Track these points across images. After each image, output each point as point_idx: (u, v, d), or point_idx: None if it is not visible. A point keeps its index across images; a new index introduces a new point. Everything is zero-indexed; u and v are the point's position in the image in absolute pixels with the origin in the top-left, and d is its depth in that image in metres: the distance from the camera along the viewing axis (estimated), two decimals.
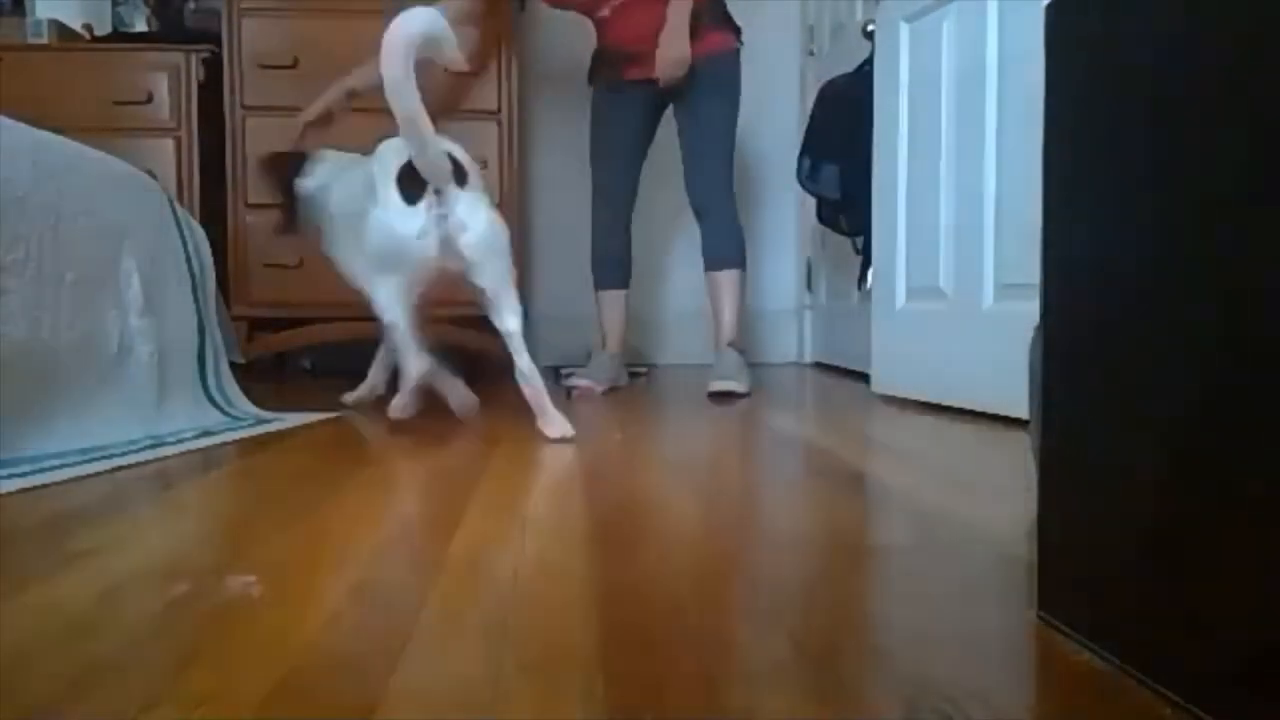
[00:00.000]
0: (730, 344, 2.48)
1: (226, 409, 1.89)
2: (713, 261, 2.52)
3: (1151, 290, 0.56)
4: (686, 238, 3.33)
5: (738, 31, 2.53)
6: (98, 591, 0.77)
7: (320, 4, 2.86)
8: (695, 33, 2.38)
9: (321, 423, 1.88)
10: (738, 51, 2.52)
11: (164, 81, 2.84)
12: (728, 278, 2.50)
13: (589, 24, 2.64)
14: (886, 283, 2.24)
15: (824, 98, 2.70)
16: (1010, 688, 0.58)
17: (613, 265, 2.64)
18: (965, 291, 1.92)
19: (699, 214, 2.52)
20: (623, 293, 2.65)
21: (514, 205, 2.95)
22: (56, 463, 1.34)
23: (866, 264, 2.58)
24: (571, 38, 2.79)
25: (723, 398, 2.31)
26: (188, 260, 1.94)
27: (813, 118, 2.74)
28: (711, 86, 2.46)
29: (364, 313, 2.79)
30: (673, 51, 2.35)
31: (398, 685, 0.57)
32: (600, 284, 2.65)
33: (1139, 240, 0.58)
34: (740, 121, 2.54)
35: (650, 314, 3.50)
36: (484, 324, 2.93)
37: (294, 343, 2.93)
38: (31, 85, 2.74)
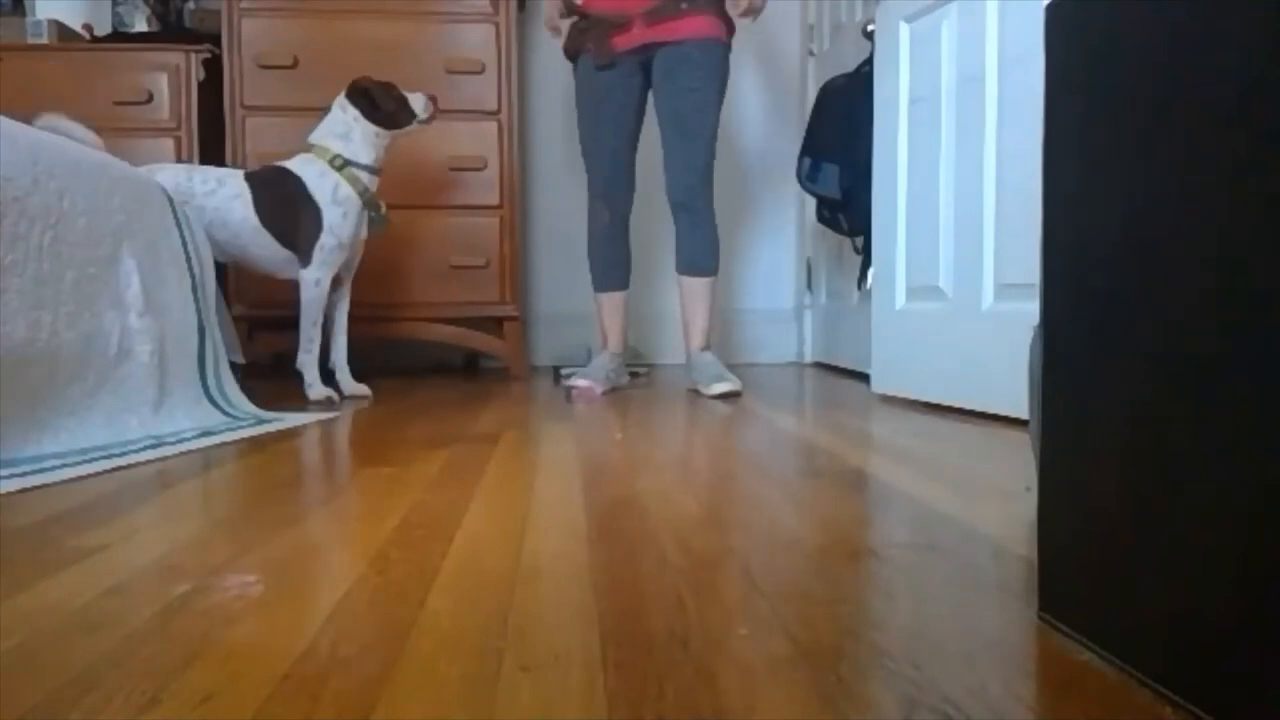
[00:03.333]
0: (707, 347, 2.51)
1: (226, 409, 1.90)
2: (686, 267, 2.50)
3: (1152, 290, 0.56)
4: None
5: (730, 24, 2.47)
6: (98, 591, 0.77)
7: (320, 4, 2.86)
8: (681, 12, 2.35)
9: (321, 423, 1.89)
10: (727, 44, 2.46)
11: (164, 81, 2.84)
12: (701, 284, 2.50)
13: None
14: (886, 283, 2.24)
15: (824, 98, 2.71)
16: (1010, 688, 0.58)
17: (612, 268, 2.61)
18: (965, 291, 1.92)
19: (676, 209, 2.48)
20: (622, 294, 2.63)
21: (514, 205, 2.95)
22: (56, 463, 1.34)
23: (866, 264, 2.58)
24: None
25: (725, 398, 2.32)
26: (188, 260, 1.94)
27: (813, 118, 2.74)
28: (697, 72, 2.40)
29: (363, 313, 2.79)
30: None
31: (398, 685, 0.57)
32: (599, 286, 2.63)
33: (1139, 240, 0.58)
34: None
35: (651, 312, 3.50)
36: (483, 324, 2.95)
37: (294, 343, 2.92)
38: (31, 85, 2.75)
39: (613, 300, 2.63)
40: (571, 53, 2.56)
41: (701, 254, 2.48)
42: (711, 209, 2.48)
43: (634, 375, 2.89)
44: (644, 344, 3.50)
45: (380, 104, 2.36)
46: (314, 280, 2.32)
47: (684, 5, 2.38)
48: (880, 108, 2.25)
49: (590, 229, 2.60)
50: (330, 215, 2.30)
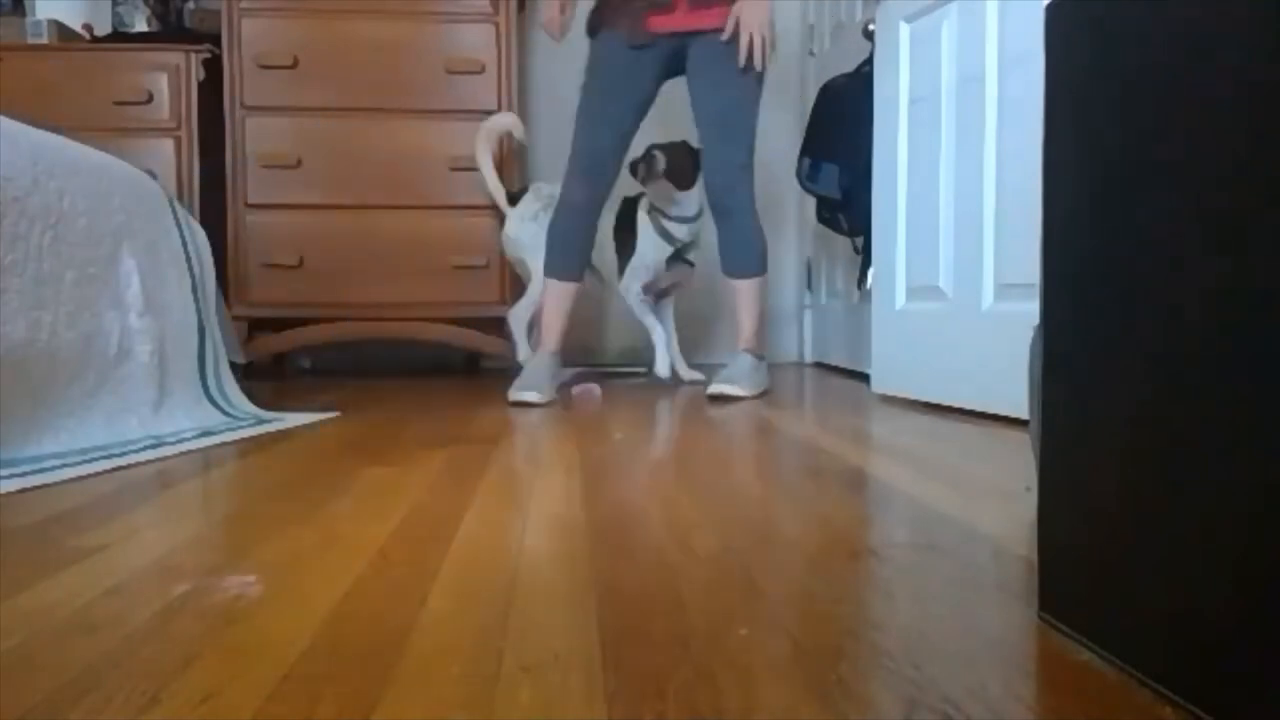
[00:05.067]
0: (747, 349, 2.42)
1: (226, 409, 1.90)
2: (729, 269, 2.43)
3: (1152, 290, 0.56)
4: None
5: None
6: (98, 591, 0.77)
7: (320, 4, 2.86)
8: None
9: (321, 423, 1.88)
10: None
11: (164, 81, 2.84)
12: (745, 285, 2.42)
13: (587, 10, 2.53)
14: (886, 283, 2.24)
15: (824, 98, 2.70)
16: (1010, 688, 0.58)
17: (571, 252, 2.40)
18: (965, 291, 1.92)
19: (715, 211, 2.40)
20: (575, 286, 2.41)
21: None
22: (56, 463, 1.34)
23: (866, 264, 2.58)
24: (573, 36, 2.79)
25: (719, 400, 2.29)
26: (188, 260, 1.94)
27: (812, 118, 2.74)
28: (735, 64, 2.28)
29: (364, 313, 2.80)
30: (754, 9, 2.19)
31: (398, 685, 0.57)
32: (550, 270, 2.40)
33: (1139, 240, 0.58)
34: None
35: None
36: (483, 324, 2.95)
37: (294, 343, 2.93)
38: (31, 85, 2.75)
39: (563, 291, 2.39)
40: (594, 27, 2.44)
41: (739, 254, 2.40)
42: (751, 207, 2.38)
43: (634, 375, 2.88)
44: (644, 348, 3.49)
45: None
46: (623, 287, 2.79)
47: None
48: (880, 108, 2.25)
49: (559, 208, 2.40)
50: (643, 245, 2.76)
